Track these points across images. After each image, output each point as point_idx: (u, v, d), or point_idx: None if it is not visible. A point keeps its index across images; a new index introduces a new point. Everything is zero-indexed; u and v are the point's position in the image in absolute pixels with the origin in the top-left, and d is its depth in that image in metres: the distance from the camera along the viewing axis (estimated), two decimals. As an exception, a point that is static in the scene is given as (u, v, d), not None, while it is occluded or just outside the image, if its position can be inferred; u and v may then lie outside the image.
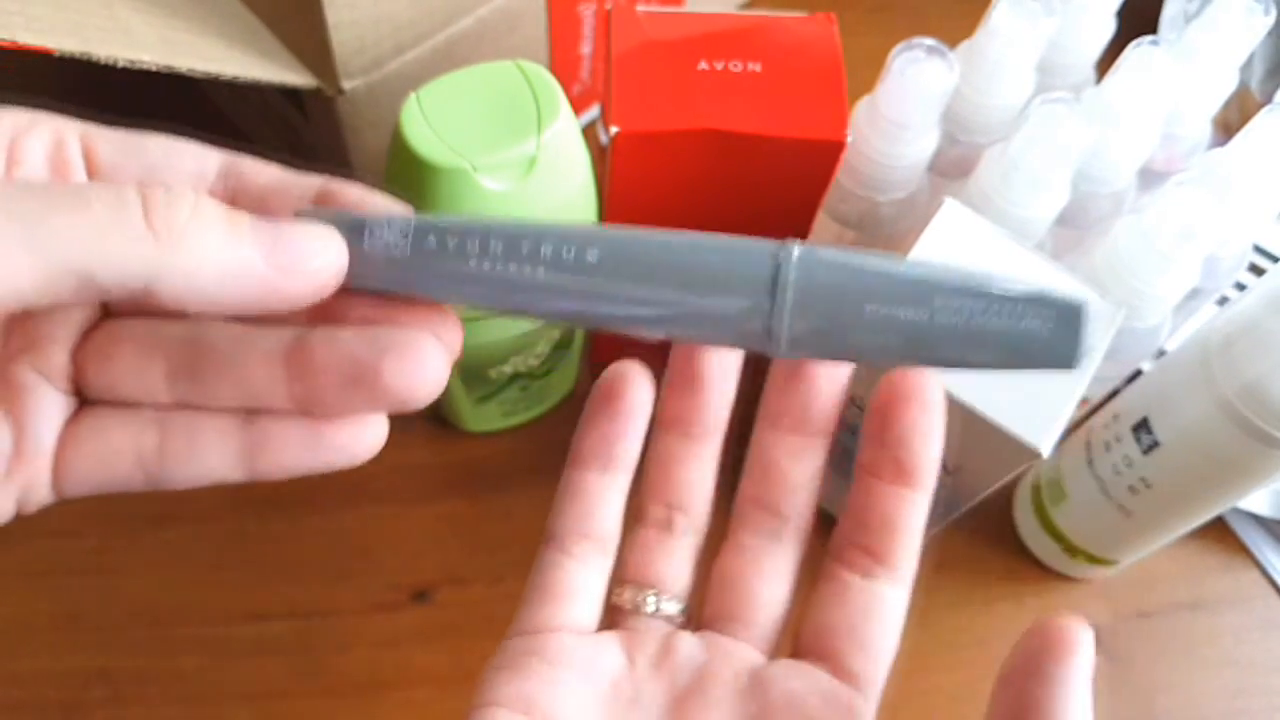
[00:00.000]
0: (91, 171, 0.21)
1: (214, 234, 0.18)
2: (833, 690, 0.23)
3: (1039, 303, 0.17)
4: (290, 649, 0.39)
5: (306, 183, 0.21)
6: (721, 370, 0.24)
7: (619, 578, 0.25)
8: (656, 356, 0.25)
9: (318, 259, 0.19)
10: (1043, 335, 0.17)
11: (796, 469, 0.24)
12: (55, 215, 0.17)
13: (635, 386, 0.24)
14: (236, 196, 0.21)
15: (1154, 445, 0.34)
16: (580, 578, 0.25)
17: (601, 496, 0.25)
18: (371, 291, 0.20)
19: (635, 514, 0.25)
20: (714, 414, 0.25)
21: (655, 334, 0.19)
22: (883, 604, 0.23)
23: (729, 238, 0.18)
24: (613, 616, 0.25)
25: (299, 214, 0.20)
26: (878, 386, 0.22)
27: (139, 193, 0.18)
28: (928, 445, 0.22)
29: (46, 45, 0.30)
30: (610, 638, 0.25)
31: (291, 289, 0.19)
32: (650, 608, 0.25)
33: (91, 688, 0.38)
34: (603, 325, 0.19)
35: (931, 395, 0.21)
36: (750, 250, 0.18)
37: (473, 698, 0.24)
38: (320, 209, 0.20)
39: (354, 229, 0.19)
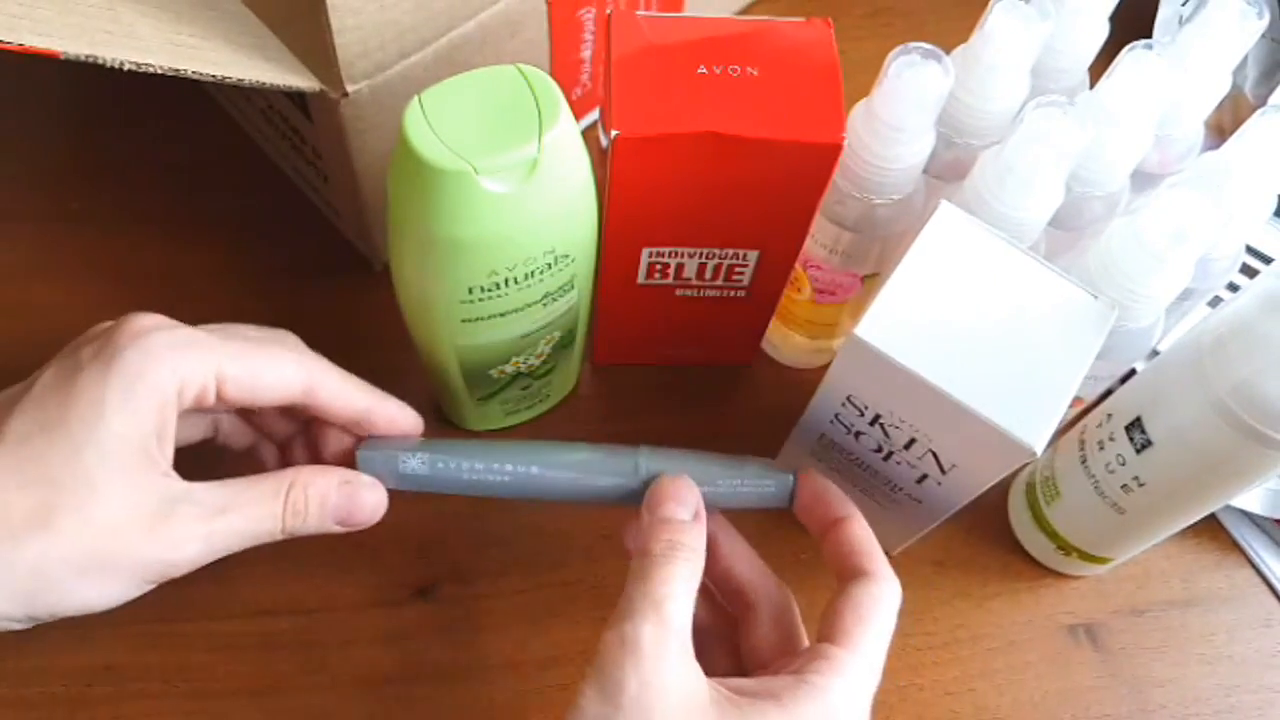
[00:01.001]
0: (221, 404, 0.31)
1: (313, 523, 0.32)
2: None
3: (767, 479, 0.34)
4: (294, 645, 0.39)
5: (359, 404, 0.33)
6: None
7: None
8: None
9: (370, 511, 0.33)
10: (772, 492, 0.34)
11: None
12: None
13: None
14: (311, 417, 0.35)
15: (1147, 444, 0.35)
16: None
17: None
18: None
19: None
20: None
21: (568, 500, 0.34)
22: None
23: (605, 449, 0.34)
24: None
25: (360, 452, 0.34)
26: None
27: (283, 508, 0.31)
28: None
29: (53, 49, 0.30)
30: None
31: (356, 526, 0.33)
32: None
33: (96, 684, 0.38)
34: (536, 499, 0.34)
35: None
36: (620, 456, 0.33)
37: None
38: (373, 450, 0.34)
39: (391, 461, 0.33)
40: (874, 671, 0.30)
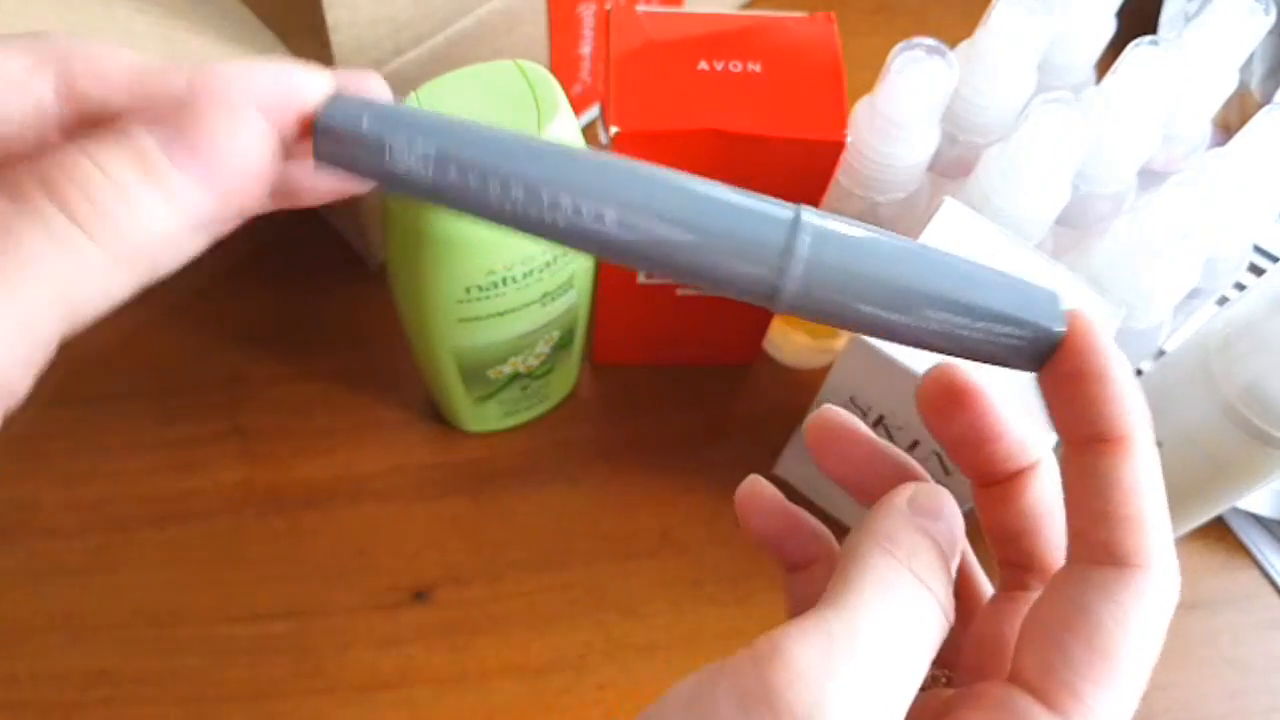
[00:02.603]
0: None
1: (155, 206, 0.16)
2: None
3: (1019, 324, 0.18)
4: (290, 649, 0.39)
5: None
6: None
7: None
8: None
9: (246, 160, 0.17)
10: (1019, 348, 0.19)
11: None
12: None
13: None
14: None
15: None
16: None
17: None
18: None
19: None
20: None
21: (664, 279, 0.19)
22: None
23: (747, 196, 0.19)
24: None
25: (322, 114, 0.18)
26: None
27: (53, 202, 0.15)
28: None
29: (46, 45, 0.30)
30: None
31: (244, 202, 0.17)
32: None
33: (91, 688, 0.38)
34: (613, 261, 0.19)
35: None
36: (767, 217, 0.18)
37: None
38: (343, 102, 0.19)
39: (375, 147, 0.18)
40: None
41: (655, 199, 0.19)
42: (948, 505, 0.19)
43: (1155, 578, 0.17)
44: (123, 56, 0.18)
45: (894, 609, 0.17)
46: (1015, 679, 0.17)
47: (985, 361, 0.19)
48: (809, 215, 0.18)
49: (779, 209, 0.18)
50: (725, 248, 0.18)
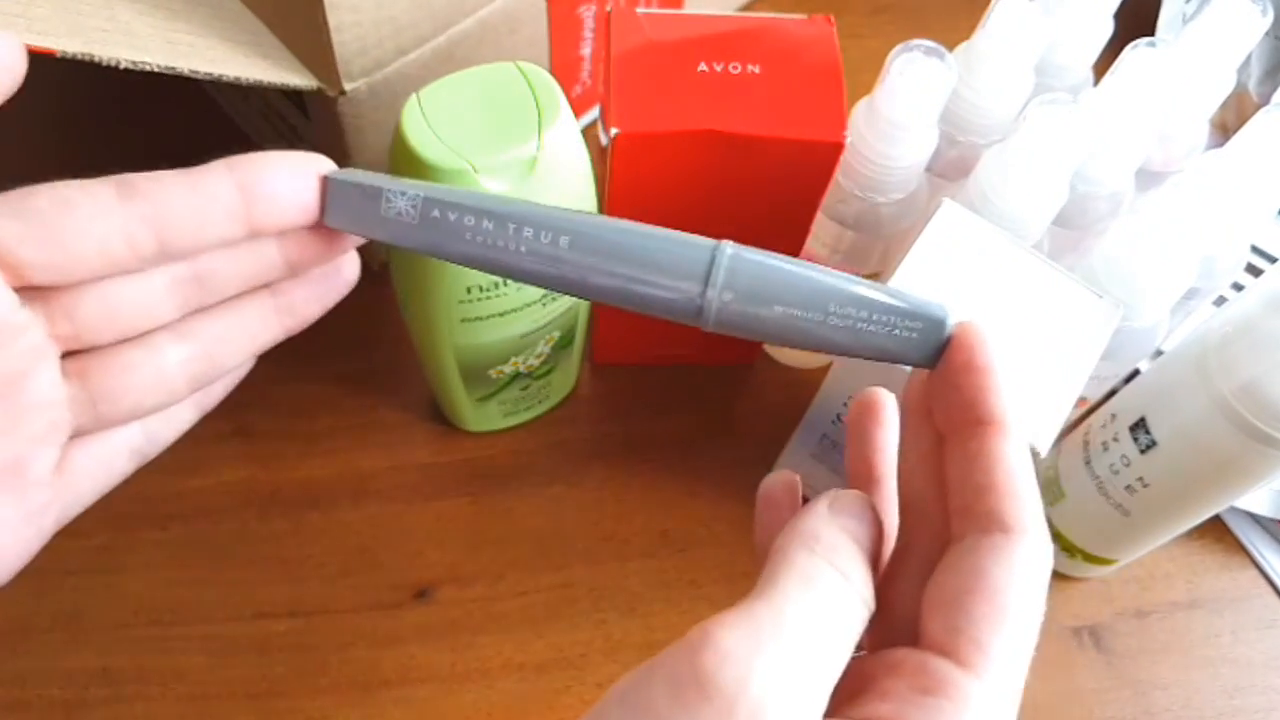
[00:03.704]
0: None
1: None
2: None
3: (909, 315, 0.21)
4: (291, 648, 0.39)
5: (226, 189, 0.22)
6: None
7: None
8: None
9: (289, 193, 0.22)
10: (911, 340, 0.21)
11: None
12: None
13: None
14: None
15: (1151, 445, 0.34)
16: None
17: None
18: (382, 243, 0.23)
19: None
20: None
21: (611, 303, 0.23)
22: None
23: (675, 233, 0.22)
24: None
25: (331, 178, 0.23)
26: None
27: None
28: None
29: (49, 47, 0.30)
30: None
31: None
32: None
33: (93, 687, 0.38)
34: (568, 292, 0.23)
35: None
36: (692, 245, 0.22)
37: None
38: (347, 173, 0.23)
39: (373, 195, 0.23)
40: (1013, 699, 0.19)
41: (604, 229, 0.22)
42: (867, 508, 0.21)
43: (1034, 540, 0.19)
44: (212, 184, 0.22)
45: (816, 597, 0.18)
46: (926, 644, 0.19)
47: (884, 358, 0.22)
48: (727, 244, 0.22)
49: (703, 240, 0.22)
50: (662, 265, 0.22)
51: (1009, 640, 0.18)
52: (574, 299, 0.36)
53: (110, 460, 0.24)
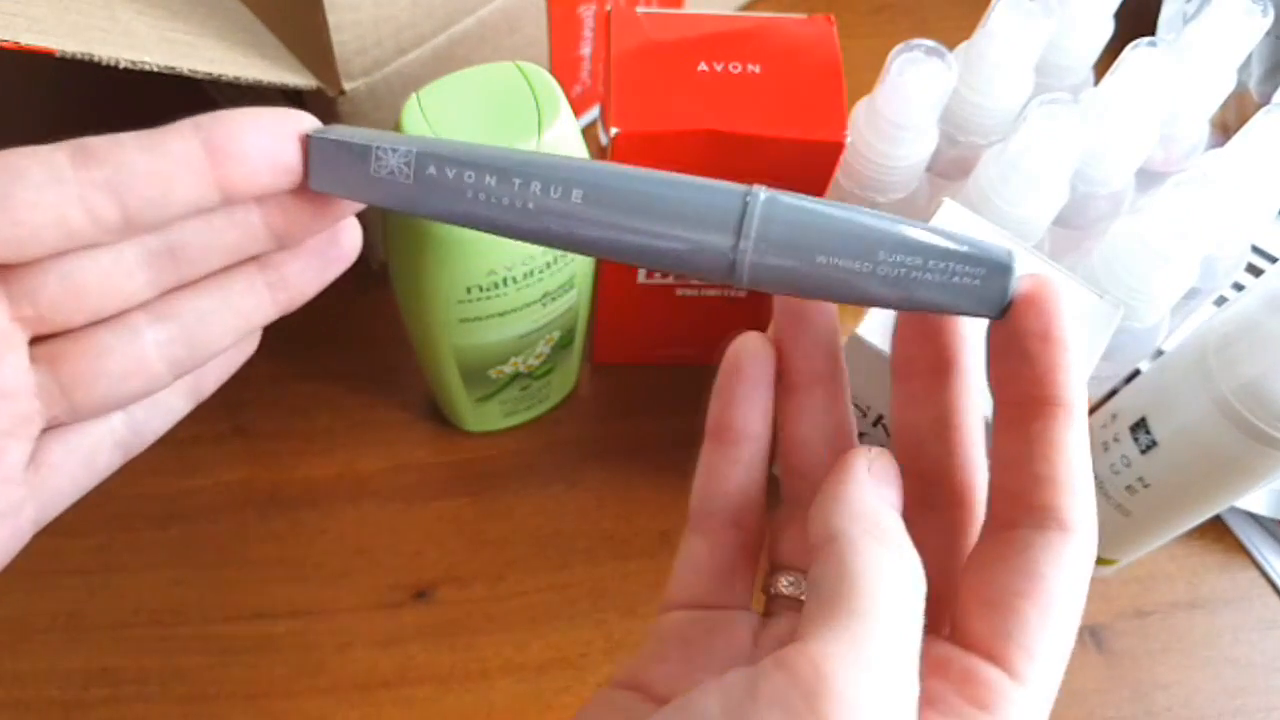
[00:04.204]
0: None
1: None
2: None
3: (970, 260, 0.19)
4: (291, 648, 0.39)
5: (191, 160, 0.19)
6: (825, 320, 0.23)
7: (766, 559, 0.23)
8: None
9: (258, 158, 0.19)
10: (972, 288, 0.19)
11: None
12: None
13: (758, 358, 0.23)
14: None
15: (1152, 445, 0.34)
16: (713, 557, 0.23)
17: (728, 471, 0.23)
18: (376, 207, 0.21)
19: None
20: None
21: (633, 262, 0.20)
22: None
23: (702, 180, 0.20)
24: (765, 601, 0.23)
25: (310, 136, 0.20)
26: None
27: None
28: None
29: (48, 46, 0.30)
30: (742, 617, 0.22)
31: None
32: (788, 588, 0.22)
33: (92, 687, 0.38)
34: (584, 251, 0.21)
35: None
36: (721, 191, 0.19)
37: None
38: (332, 130, 0.20)
39: (361, 154, 0.20)
40: (1050, 702, 0.19)
41: (621, 178, 0.20)
42: (899, 473, 0.20)
43: (1088, 540, 0.18)
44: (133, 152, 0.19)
45: (902, 603, 0.17)
46: (972, 644, 0.18)
47: (942, 311, 0.19)
48: (760, 189, 0.19)
49: (733, 186, 0.19)
50: (687, 216, 0.19)
51: (1057, 647, 0.18)
52: (574, 299, 0.36)
53: (91, 454, 0.22)
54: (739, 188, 0.19)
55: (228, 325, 0.22)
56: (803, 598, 0.22)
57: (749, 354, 0.23)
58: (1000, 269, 0.19)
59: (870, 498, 0.19)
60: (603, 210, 0.19)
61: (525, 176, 0.20)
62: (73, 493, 0.22)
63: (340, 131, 0.20)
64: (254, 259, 0.21)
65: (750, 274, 0.19)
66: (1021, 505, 0.19)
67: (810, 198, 0.19)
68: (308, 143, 0.20)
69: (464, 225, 0.21)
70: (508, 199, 0.20)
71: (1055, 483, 0.18)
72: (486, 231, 0.21)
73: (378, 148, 0.20)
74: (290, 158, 0.20)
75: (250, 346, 0.24)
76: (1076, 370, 0.18)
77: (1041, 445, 0.18)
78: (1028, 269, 0.19)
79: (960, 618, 0.19)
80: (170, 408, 0.23)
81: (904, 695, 0.16)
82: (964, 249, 0.19)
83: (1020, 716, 0.18)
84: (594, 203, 0.19)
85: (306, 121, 0.20)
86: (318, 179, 0.20)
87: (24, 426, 0.20)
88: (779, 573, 0.23)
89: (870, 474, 0.19)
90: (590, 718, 0.21)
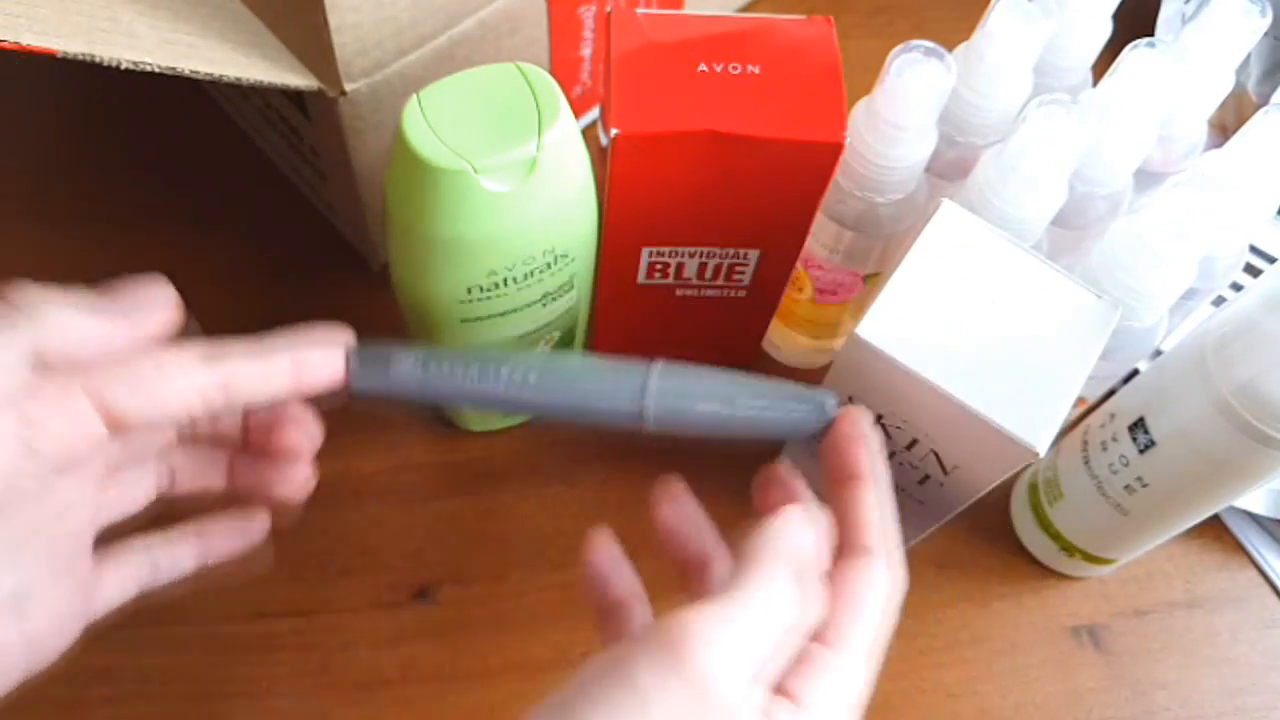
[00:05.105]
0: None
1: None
2: None
3: (804, 400, 0.29)
4: (293, 647, 0.39)
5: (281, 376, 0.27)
6: None
7: None
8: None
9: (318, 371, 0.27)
10: (804, 419, 0.29)
11: None
12: None
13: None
14: None
15: (1150, 445, 0.34)
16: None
17: None
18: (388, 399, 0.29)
19: None
20: None
21: (567, 420, 0.29)
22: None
23: (615, 362, 0.29)
24: None
25: (355, 353, 0.28)
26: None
27: None
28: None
29: (51, 47, 0.30)
30: None
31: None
32: None
33: (94, 685, 0.38)
34: (542, 416, 0.29)
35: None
36: (629, 371, 0.28)
37: None
38: (364, 348, 0.28)
39: (382, 360, 0.28)
40: (865, 677, 0.25)
41: (562, 365, 0.29)
42: (820, 522, 0.26)
43: (888, 560, 0.26)
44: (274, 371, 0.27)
45: (779, 602, 0.23)
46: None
47: (782, 436, 0.30)
48: (658, 364, 0.28)
49: (637, 364, 0.28)
50: (605, 391, 0.28)
51: (856, 622, 0.25)
52: (574, 299, 0.36)
53: (123, 583, 0.31)
54: (641, 366, 0.28)
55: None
56: None
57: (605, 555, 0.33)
58: (820, 407, 0.29)
59: (790, 530, 0.24)
60: (552, 388, 0.28)
61: (497, 365, 0.28)
62: (106, 608, 0.32)
63: (370, 347, 0.28)
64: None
65: (655, 416, 0.28)
66: (845, 540, 0.27)
67: (693, 368, 0.29)
68: (348, 355, 0.27)
69: (459, 403, 0.31)
70: (486, 381, 0.28)
71: (860, 524, 0.27)
72: (474, 405, 0.31)
73: (393, 357, 0.28)
74: (340, 367, 0.27)
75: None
76: (874, 454, 0.28)
77: (853, 504, 0.27)
78: (836, 401, 0.29)
79: None
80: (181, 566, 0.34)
81: (754, 653, 0.22)
82: (797, 394, 0.29)
83: (836, 674, 0.24)
84: (545, 385, 0.28)
85: (349, 338, 0.28)
86: (356, 380, 0.28)
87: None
88: None
89: (800, 517, 0.25)
90: None
